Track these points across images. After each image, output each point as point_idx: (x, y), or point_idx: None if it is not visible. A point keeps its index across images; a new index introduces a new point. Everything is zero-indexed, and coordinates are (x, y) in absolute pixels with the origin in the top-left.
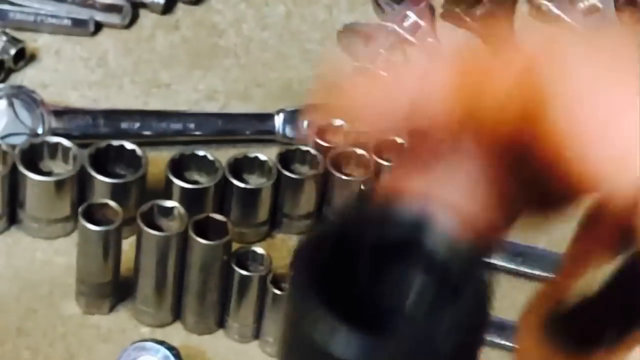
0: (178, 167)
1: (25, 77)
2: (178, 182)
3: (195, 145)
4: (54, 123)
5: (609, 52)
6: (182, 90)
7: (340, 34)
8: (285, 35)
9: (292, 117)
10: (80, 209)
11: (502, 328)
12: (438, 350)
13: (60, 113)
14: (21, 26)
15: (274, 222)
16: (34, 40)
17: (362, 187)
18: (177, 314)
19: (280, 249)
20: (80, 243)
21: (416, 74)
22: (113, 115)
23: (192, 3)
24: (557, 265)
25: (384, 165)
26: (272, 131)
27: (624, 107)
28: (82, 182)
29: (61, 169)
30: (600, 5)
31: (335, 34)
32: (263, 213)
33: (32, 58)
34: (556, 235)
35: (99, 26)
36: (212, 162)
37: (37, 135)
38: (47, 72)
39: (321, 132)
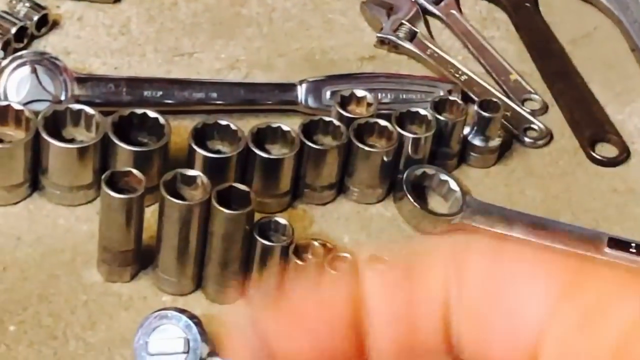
0: (201, 136)
1: (48, 43)
2: (201, 151)
3: (217, 114)
4: (76, 90)
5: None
6: (204, 59)
7: (363, 4)
8: (308, 5)
9: (315, 87)
10: (103, 177)
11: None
12: None
13: (83, 80)
14: None
15: (296, 193)
16: (56, 7)
17: (385, 158)
18: (198, 283)
19: (302, 220)
20: (103, 211)
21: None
22: (136, 83)
23: None
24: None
25: (406, 136)
26: (294, 101)
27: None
28: (104, 150)
29: (84, 136)
30: None
31: (358, 3)
32: (285, 183)
33: (54, 24)
34: (578, 209)
35: None
36: (234, 132)
37: (60, 102)
38: (69, 38)
39: (344, 103)
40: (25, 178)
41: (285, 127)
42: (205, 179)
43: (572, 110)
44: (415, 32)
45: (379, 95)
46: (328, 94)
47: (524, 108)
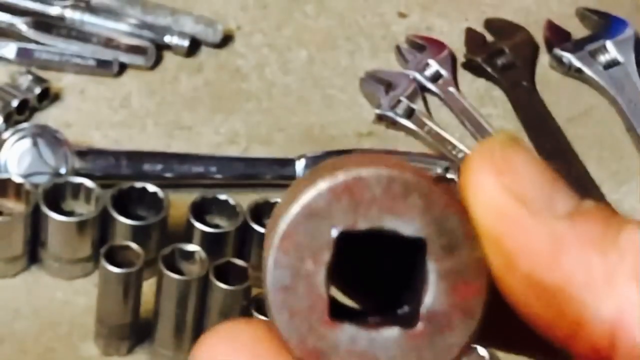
0: (199, 210)
1: (49, 116)
2: (199, 225)
3: (216, 188)
4: (77, 163)
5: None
6: (204, 133)
7: (362, 80)
8: (308, 81)
9: (314, 162)
10: (101, 251)
11: None
12: None
13: (84, 153)
14: (46, 66)
15: None
16: (58, 80)
17: None
18: None
19: None
20: (101, 284)
21: None
22: (135, 157)
23: (215, 46)
24: None
25: None
26: (293, 176)
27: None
28: (103, 223)
29: (83, 209)
30: (621, 59)
31: (357, 80)
32: None
33: (56, 98)
34: None
35: (123, 67)
36: (233, 207)
37: (60, 175)
38: (71, 111)
39: None
40: (23, 250)
41: None
42: (203, 253)
43: None
44: (413, 109)
45: None
46: None
47: None
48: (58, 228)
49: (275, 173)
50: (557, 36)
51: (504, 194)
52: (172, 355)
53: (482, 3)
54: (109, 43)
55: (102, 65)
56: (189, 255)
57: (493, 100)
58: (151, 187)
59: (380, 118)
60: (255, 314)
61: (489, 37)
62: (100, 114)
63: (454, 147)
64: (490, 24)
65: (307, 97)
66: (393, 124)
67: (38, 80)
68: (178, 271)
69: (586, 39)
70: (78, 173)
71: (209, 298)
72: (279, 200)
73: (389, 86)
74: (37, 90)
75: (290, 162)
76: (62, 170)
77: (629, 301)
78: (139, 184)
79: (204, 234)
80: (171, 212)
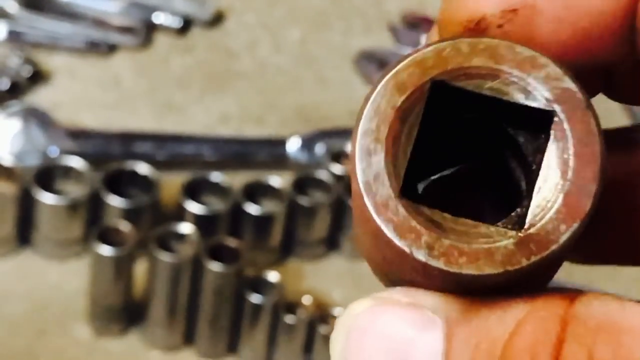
0: (192, 191)
1: (40, 97)
2: (191, 206)
3: (208, 168)
4: (68, 144)
5: None
6: (196, 113)
7: (355, 59)
8: (300, 60)
9: (307, 142)
10: (93, 232)
11: None
12: None
13: (75, 134)
14: (36, 47)
15: (287, 248)
16: (48, 61)
17: None
18: (188, 338)
19: (293, 275)
20: (93, 266)
21: None
22: (127, 137)
23: (207, 26)
24: None
25: None
26: (285, 156)
27: None
28: (95, 204)
29: (74, 190)
30: None
31: (349, 59)
32: (276, 239)
33: (46, 78)
34: None
35: (113, 47)
36: (225, 187)
37: (51, 156)
38: (61, 92)
39: (336, 158)
40: (15, 232)
41: (276, 183)
42: (195, 234)
43: None
44: None
45: None
46: (319, 149)
47: None
48: (49, 209)
49: (268, 153)
50: None
51: None
52: (165, 335)
53: None
54: (99, 23)
55: (93, 46)
56: (182, 236)
57: None
58: (143, 168)
59: None
60: (248, 293)
61: None
62: (91, 95)
63: None
64: None
65: (299, 77)
66: None
67: (28, 61)
68: (171, 252)
69: None
70: (69, 154)
71: (202, 278)
72: (271, 180)
73: (382, 65)
74: (28, 71)
75: (282, 142)
76: (53, 151)
77: None
78: (130, 165)
79: (197, 214)
80: (163, 192)
